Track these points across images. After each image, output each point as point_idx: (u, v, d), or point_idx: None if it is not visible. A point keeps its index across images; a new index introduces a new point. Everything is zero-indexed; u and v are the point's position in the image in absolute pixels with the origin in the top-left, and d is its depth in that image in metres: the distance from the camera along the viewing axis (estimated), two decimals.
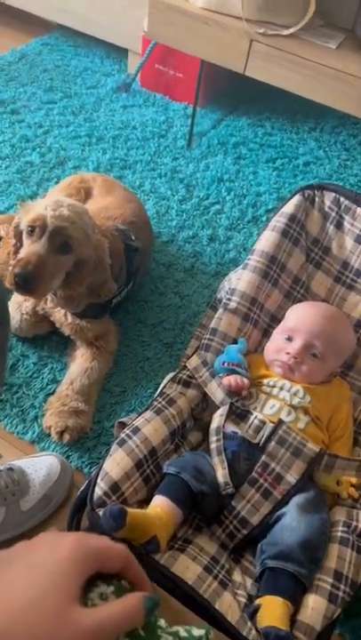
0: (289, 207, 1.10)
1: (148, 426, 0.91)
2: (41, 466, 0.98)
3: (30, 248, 0.98)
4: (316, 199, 1.11)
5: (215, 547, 0.86)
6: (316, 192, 1.11)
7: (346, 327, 1.05)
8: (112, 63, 2.08)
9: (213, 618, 0.75)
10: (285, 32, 1.44)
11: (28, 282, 0.95)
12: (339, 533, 0.85)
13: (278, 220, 1.09)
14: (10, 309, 1.16)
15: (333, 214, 1.10)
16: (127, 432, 0.90)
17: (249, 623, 0.75)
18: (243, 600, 0.79)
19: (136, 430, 0.90)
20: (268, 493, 0.86)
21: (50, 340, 1.22)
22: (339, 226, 1.10)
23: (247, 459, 0.90)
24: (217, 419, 0.94)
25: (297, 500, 0.86)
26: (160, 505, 0.83)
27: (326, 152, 1.87)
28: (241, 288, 1.07)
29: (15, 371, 1.17)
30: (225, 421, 0.93)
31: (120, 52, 2.07)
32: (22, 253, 0.99)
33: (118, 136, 1.78)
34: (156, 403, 0.96)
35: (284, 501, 0.86)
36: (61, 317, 1.15)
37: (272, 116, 1.97)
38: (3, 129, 1.72)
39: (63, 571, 0.36)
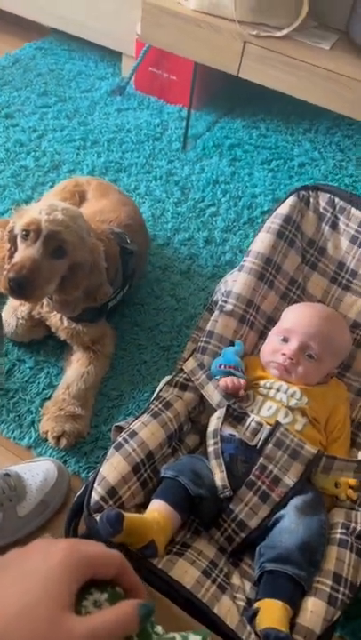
0: (284, 208, 1.10)
1: (145, 429, 0.91)
2: (38, 471, 0.97)
3: (25, 252, 0.97)
4: (311, 200, 1.10)
5: (214, 550, 0.86)
6: (310, 193, 1.11)
7: (342, 328, 1.05)
8: (106, 67, 2.08)
9: (212, 622, 0.74)
10: (278, 33, 1.44)
11: (23, 286, 0.95)
12: (337, 535, 0.85)
13: (273, 222, 1.09)
14: (5, 314, 1.16)
15: (328, 215, 1.10)
16: (124, 436, 0.90)
17: (248, 627, 0.75)
18: (242, 604, 0.79)
19: (133, 434, 0.90)
20: (266, 496, 0.86)
21: (46, 345, 1.22)
22: (334, 226, 1.10)
23: (245, 461, 0.89)
24: (214, 421, 0.93)
25: (295, 502, 0.86)
26: (157, 509, 0.83)
27: (321, 153, 1.87)
28: (237, 290, 1.07)
29: (11, 376, 1.16)
30: (222, 424, 0.93)
31: (114, 56, 2.07)
32: (17, 258, 0.99)
33: (113, 139, 1.77)
34: (152, 406, 0.95)
35: (283, 504, 0.85)
36: (57, 322, 1.15)
37: (267, 117, 1.97)
38: None
39: (55, 578, 0.35)
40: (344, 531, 0.85)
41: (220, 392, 0.96)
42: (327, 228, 1.10)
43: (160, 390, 1.00)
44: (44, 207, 1.00)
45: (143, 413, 0.94)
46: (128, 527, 0.75)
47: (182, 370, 1.03)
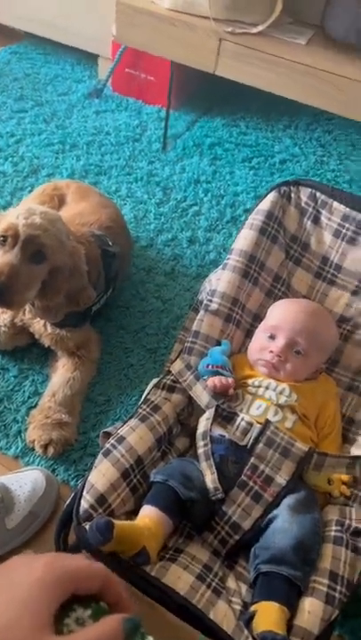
0: (265, 204, 1.09)
1: (134, 434, 0.89)
2: (26, 481, 0.95)
3: (3, 258, 0.95)
4: (293, 195, 1.09)
5: (207, 554, 0.84)
6: (291, 188, 1.10)
7: (328, 322, 1.04)
8: (83, 69, 2.07)
9: (208, 628, 0.73)
10: (254, 30, 1.44)
11: (2, 293, 0.93)
12: (332, 533, 0.84)
13: (255, 218, 1.08)
14: None
15: (310, 210, 1.09)
16: (112, 442, 0.88)
17: (245, 631, 0.73)
18: (238, 608, 0.77)
19: (121, 439, 0.88)
20: (258, 496, 0.84)
21: (30, 352, 1.20)
22: (316, 221, 1.09)
23: (236, 462, 0.88)
24: (203, 423, 0.92)
25: (288, 501, 0.84)
26: (148, 515, 0.81)
27: (302, 149, 1.87)
28: (221, 289, 1.05)
29: None
30: (212, 425, 0.91)
31: (90, 58, 2.05)
32: None
33: (92, 142, 1.76)
34: (140, 410, 0.94)
35: (276, 503, 0.84)
36: (41, 328, 1.13)
37: (246, 115, 1.97)
38: None
39: (34, 596, 0.34)
40: (339, 528, 0.84)
41: (209, 392, 0.95)
42: (310, 222, 1.09)
43: (148, 393, 0.99)
44: (22, 211, 0.98)
45: (131, 418, 0.93)
46: (118, 535, 0.73)
47: (169, 372, 1.01)
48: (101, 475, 0.84)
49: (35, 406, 1.10)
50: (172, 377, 1.00)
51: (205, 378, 0.97)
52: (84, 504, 0.81)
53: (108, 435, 0.92)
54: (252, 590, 0.80)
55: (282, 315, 1.02)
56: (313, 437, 0.96)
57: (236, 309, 1.06)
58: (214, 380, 0.95)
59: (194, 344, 1.03)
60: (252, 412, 0.94)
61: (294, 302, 1.05)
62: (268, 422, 0.89)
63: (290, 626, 0.74)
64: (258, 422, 0.91)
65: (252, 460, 0.86)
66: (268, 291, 1.10)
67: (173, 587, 0.75)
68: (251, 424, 0.91)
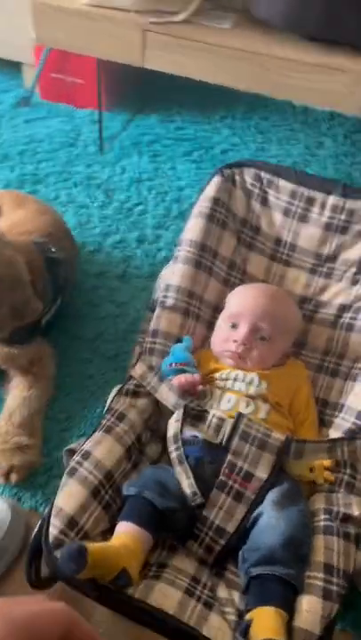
0: (210, 190, 1.04)
1: (100, 447, 0.83)
2: None
3: None
4: (237, 178, 1.05)
5: (194, 565, 0.78)
6: (235, 170, 1.06)
7: (289, 304, 1.00)
8: (7, 79, 1.99)
9: None
10: (177, 18, 1.40)
11: None
12: (321, 523, 0.79)
13: (201, 206, 1.04)
14: None
15: (257, 191, 1.05)
16: (77, 459, 0.82)
17: None
18: (232, 618, 0.72)
19: (87, 455, 0.82)
20: (239, 495, 0.79)
21: None
22: (264, 202, 1.05)
23: (212, 462, 0.83)
24: (173, 425, 0.86)
25: (272, 496, 0.79)
26: (125, 532, 0.75)
27: (241, 138, 1.84)
28: (175, 282, 1.00)
29: None
30: (182, 426, 0.86)
31: (14, 67, 1.97)
32: None
33: (25, 151, 1.68)
34: (104, 421, 0.88)
35: (259, 500, 0.79)
36: None
37: (181, 109, 1.93)
38: None
39: None
40: (327, 516, 0.80)
41: (175, 392, 0.89)
42: (258, 204, 1.06)
43: (110, 402, 0.93)
44: None
45: (95, 431, 0.87)
46: (94, 559, 0.67)
47: (132, 376, 0.95)
48: (69, 496, 0.77)
49: None
50: (134, 382, 0.94)
51: (170, 378, 0.92)
52: (52, 530, 0.74)
53: (72, 452, 0.86)
54: (245, 597, 0.75)
55: (241, 301, 0.97)
56: (289, 425, 0.92)
57: (193, 302, 1.01)
58: (180, 379, 0.90)
59: (153, 344, 0.97)
60: (223, 406, 0.89)
61: (253, 287, 1.01)
62: (240, 415, 0.84)
63: (290, 629, 0.69)
64: (230, 417, 0.86)
65: (229, 457, 0.81)
66: (224, 279, 1.05)
67: (161, 607, 0.69)
68: (223, 419, 0.85)
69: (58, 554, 0.71)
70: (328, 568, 0.74)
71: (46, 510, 0.78)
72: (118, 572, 0.69)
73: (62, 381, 1.12)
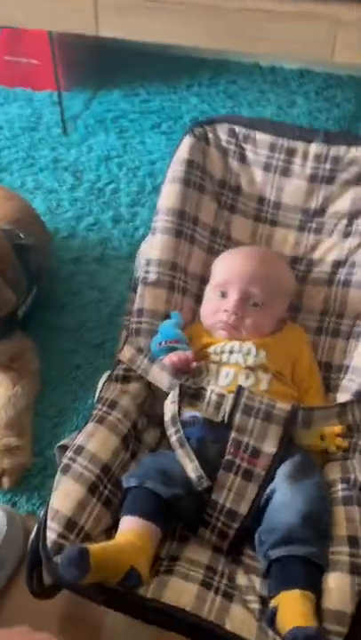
0: (183, 153, 0.97)
1: (93, 440, 0.77)
2: None
3: None
4: (210, 136, 0.98)
5: (208, 553, 0.73)
6: (206, 128, 0.98)
7: (280, 265, 0.93)
8: None
9: None
10: None
11: None
12: (339, 493, 0.74)
13: (175, 170, 0.96)
14: None
15: (233, 147, 0.98)
16: (69, 455, 0.76)
17: (270, 633, 0.62)
18: (256, 606, 0.66)
19: (80, 450, 0.76)
20: (249, 473, 0.73)
21: None
22: (242, 159, 0.98)
23: (215, 441, 0.77)
24: (169, 407, 0.80)
25: (283, 470, 0.74)
26: (129, 527, 0.70)
27: (210, 104, 1.77)
28: (156, 255, 0.93)
29: None
30: (179, 407, 0.79)
31: None
32: None
33: None
34: (95, 411, 0.82)
35: (270, 477, 0.74)
36: None
37: (145, 81, 1.85)
38: None
39: None
40: (345, 486, 0.75)
41: (169, 372, 0.83)
42: (235, 162, 0.98)
43: (100, 391, 0.86)
44: None
45: (87, 423, 0.80)
46: (97, 562, 0.61)
47: (120, 361, 0.88)
48: (65, 495, 0.72)
49: None
50: (123, 366, 0.88)
51: (161, 357, 0.85)
52: (50, 535, 0.68)
53: (64, 448, 0.80)
54: (266, 581, 0.69)
55: (228, 268, 0.91)
56: (293, 394, 0.86)
57: (177, 275, 0.94)
58: (171, 358, 0.84)
59: (139, 324, 0.91)
60: (221, 381, 0.83)
61: (239, 252, 0.94)
62: (240, 389, 0.78)
63: (319, 611, 0.63)
64: (230, 392, 0.79)
65: (233, 434, 0.75)
66: (208, 247, 0.98)
67: (177, 604, 0.63)
68: (222, 395, 0.79)
69: (58, 559, 0.65)
70: (353, 541, 0.69)
71: (42, 513, 0.71)
72: (126, 572, 0.63)
73: (48, 375, 1.06)
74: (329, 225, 0.97)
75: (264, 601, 0.67)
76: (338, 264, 0.96)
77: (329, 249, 0.97)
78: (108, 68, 1.85)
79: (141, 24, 1.30)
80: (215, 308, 0.89)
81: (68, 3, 1.29)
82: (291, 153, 0.96)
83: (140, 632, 0.73)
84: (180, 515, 0.73)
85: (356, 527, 0.70)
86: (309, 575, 0.65)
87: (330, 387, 0.91)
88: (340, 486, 0.75)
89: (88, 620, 0.76)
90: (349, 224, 0.96)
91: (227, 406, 0.78)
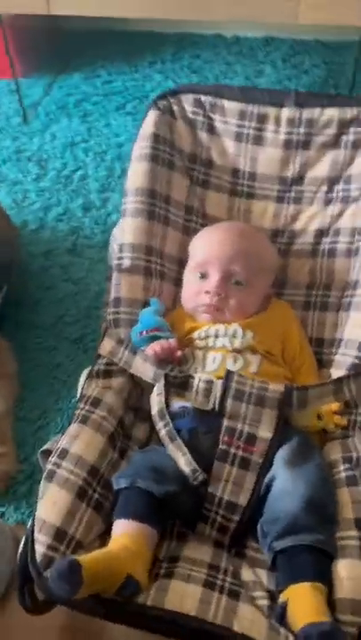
0: (148, 128, 0.91)
1: (78, 442, 0.73)
2: None
3: None
4: (175, 108, 0.92)
5: (209, 550, 0.69)
6: (171, 100, 0.92)
7: (260, 240, 0.88)
8: None
9: None
10: None
11: None
12: (342, 474, 0.71)
13: (142, 147, 0.90)
14: None
15: (200, 118, 0.92)
16: (53, 460, 0.71)
17: (282, 630, 0.58)
18: (265, 602, 0.62)
19: (64, 453, 0.71)
20: (245, 462, 0.69)
21: None
22: (211, 130, 0.92)
23: (207, 431, 0.73)
24: (156, 400, 0.75)
25: (281, 455, 0.70)
26: (123, 532, 0.66)
27: (175, 80, 1.71)
28: (128, 240, 0.88)
29: None
30: (167, 398, 0.75)
31: None
32: None
33: None
34: (78, 411, 0.77)
35: (268, 463, 0.70)
36: None
37: (105, 62, 1.79)
38: None
39: None
40: (347, 465, 0.71)
41: (152, 363, 0.78)
42: (204, 134, 0.93)
43: (82, 389, 0.81)
44: None
45: (70, 424, 0.76)
46: (91, 573, 0.57)
47: (100, 355, 0.83)
48: (51, 504, 0.67)
49: None
50: (104, 360, 0.83)
51: (143, 348, 0.80)
52: (39, 548, 0.64)
53: (48, 453, 0.75)
54: (273, 574, 0.65)
55: (206, 247, 0.86)
56: (286, 374, 0.82)
57: (153, 259, 0.89)
58: (154, 347, 0.79)
59: (117, 314, 0.86)
60: (209, 367, 0.79)
61: (216, 228, 0.89)
62: (229, 373, 0.73)
63: (332, 602, 0.59)
64: (218, 377, 0.75)
65: (226, 422, 0.71)
66: (183, 227, 0.93)
67: (180, 609, 0.59)
68: (211, 382, 0.75)
69: (48, 574, 0.60)
70: (360, 523, 0.64)
71: (29, 525, 0.67)
72: (123, 581, 0.59)
73: (27, 377, 1.01)
74: (308, 193, 0.92)
75: (272, 596, 0.63)
76: (321, 233, 0.91)
77: (311, 218, 0.92)
78: (66, 51, 1.79)
79: None
80: (196, 290, 0.84)
81: None
82: (262, 119, 0.90)
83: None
84: (176, 512, 0.70)
85: None
86: (318, 565, 0.61)
87: (323, 362, 0.87)
88: (342, 467, 0.71)
89: (86, 630, 0.72)
90: (330, 190, 0.91)
91: (217, 393, 0.74)
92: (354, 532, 0.64)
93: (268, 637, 0.57)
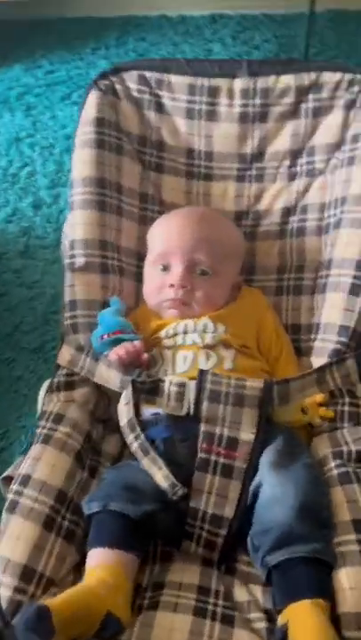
0: (90, 111, 0.84)
1: (40, 465, 0.66)
2: None
3: None
4: (117, 87, 0.84)
5: (197, 570, 0.63)
6: (112, 79, 0.85)
7: (224, 224, 0.82)
8: None
9: None
10: None
11: None
12: (334, 471, 0.65)
13: (84, 132, 0.83)
14: None
15: (147, 97, 0.85)
16: (15, 488, 0.65)
17: None
18: (262, 625, 0.57)
19: (26, 480, 0.65)
20: (228, 469, 0.63)
21: None
22: (160, 108, 0.85)
23: (183, 439, 0.67)
24: (123, 410, 0.68)
25: (266, 458, 0.64)
26: (99, 562, 0.59)
27: None
28: (79, 236, 0.81)
29: None
30: (135, 407, 0.67)
31: None
32: None
33: None
34: (39, 429, 0.71)
35: (253, 468, 0.63)
36: None
37: (46, 52, 1.71)
38: None
39: None
40: (339, 461, 0.66)
41: (118, 369, 0.71)
42: (152, 113, 0.85)
43: (42, 404, 0.74)
44: None
45: (31, 445, 0.69)
46: (63, 618, 0.51)
47: (59, 365, 0.76)
48: (15, 539, 0.60)
49: None
50: (64, 371, 0.76)
51: (106, 353, 0.73)
52: (4, 592, 0.58)
53: (10, 479, 0.67)
54: (269, 589, 0.59)
55: (165, 236, 0.79)
56: (263, 367, 0.76)
57: (109, 254, 0.82)
58: (118, 352, 0.72)
59: (75, 318, 0.78)
60: (179, 368, 0.72)
61: (175, 215, 0.82)
62: (202, 373, 0.66)
63: (336, 617, 0.54)
64: (191, 378, 0.68)
65: (203, 427, 0.65)
66: (139, 217, 0.86)
67: None
68: (183, 384, 0.68)
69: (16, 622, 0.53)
70: (359, 525, 0.59)
71: None
72: (102, 620, 0.53)
73: None
74: (271, 169, 0.86)
75: (270, 616, 0.57)
76: (288, 212, 0.85)
77: (275, 196, 0.86)
78: (2, 42, 1.70)
79: None
80: (159, 284, 0.77)
81: None
82: (214, 93, 0.83)
83: None
84: (157, 532, 0.64)
85: (359, 508, 0.60)
86: (317, 577, 0.56)
87: (301, 350, 0.81)
88: (333, 463, 0.65)
89: None
90: (293, 164, 0.85)
91: (190, 396, 0.67)
92: (353, 536, 0.58)
93: None
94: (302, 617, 0.52)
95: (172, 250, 0.76)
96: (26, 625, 0.49)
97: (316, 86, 0.82)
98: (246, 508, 0.62)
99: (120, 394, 0.71)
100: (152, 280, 0.79)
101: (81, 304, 0.78)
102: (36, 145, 1.39)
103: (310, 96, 0.82)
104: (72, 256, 0.80)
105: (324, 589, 0.55)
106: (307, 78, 0.82)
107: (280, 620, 0.54)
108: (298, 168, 0.84)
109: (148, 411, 0.70)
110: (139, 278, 0.84)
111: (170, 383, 0.68)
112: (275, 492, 0.60)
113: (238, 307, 0.79)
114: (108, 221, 0.81)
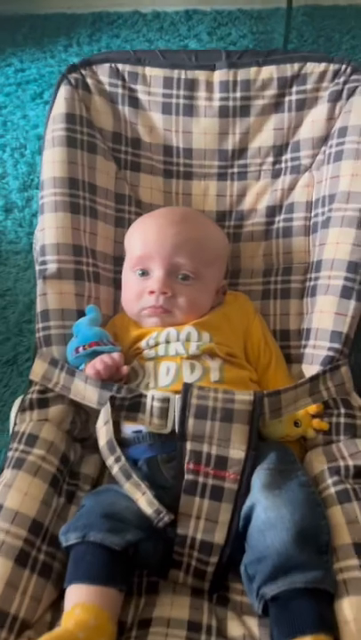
0: (59, 106, 0.78)
1: (12, 492, 0.60)
2: None
3: None
4: (89, 81, 0.79)
5: (186, 602, 0.58)
6: (83, 72, 0.79)
7: (206, 225, 0.77)
8: None
9: None
10: None
11: None
12: (331, 489, 0.61)
13: (54, 129, 0.77)
14: None
15: (120, 91, 0.79)
16: None
17: None
18: None
19: None
20: (218, 491, 0.58)
21: None
22: (134, 103, 0.80)
23: (169, 460, 0.62)
24: (102, 430, 0.63)
25: (259, 477, 0.59)
26: (78, 601, 0.54)
27: None
28: (51, 240, 0.75)
29: None
30: (115, 425, 0.62)
31: None
32: None
33: None
34: (11, 453, 0.65)
35: (244, 489, 0.59)
36: None
37: (16, 49, 1.64)
38: None
39: None
40: (336, 478, 0.61)
41: (95, 384, 0.65)
42: (127, 108, 0.80)
43: (14, 425, 0.68)
44: None
45: (1, 471, 0.62)
46: None
47: (32, 381, 0.70)
48: None
49: None
50: (37, 387, 0.70)
51: (82, 367, 0.68)
52: None
53: None
54: (265, 620, 0.54)
55: (144, 239, 0.73)
56: (252, 376, 0.71)
57: (84, 259, 0.76)
58: (95, 365, 0.67)
59: (48, 329, 0.73)
60: (162, 381, 0.67)
61: (153, 216, 0.76)
62: (187, 386, 0.61)
63: None
64: (175, 392, 0.63)
65: (189, 445, 0.60)
66: (115, 219, 0.81)
67: None
68: (167, 399, 0.63)
69: None
70: (360, 549, 0.54)
71: None
72: None
73: None
74: (254, 166, 0.81)
75: None
76: (273, 211, 0.81)
77: (259, 195, 0.81)
78: None
79: None
80: (138, 291, 0.72)
81: None
82: (192, 86, 0.78)
83: None
84: (142, 563, 0.59)
85: (360, 530, 0.55)
86: (318, 610, 0.51)
87: (291, 357, 0.76)
88: (330, 480, 0.61)
89: None
90: (277, 161, 0.80)
91: (175, 412, 0.62)
92: (355, 561, 0.54)
93: None
94: None
95: (151, 253, 0.71)
96: None
97: (299, 78, 0.77)
98: (238, 533, 0.57)
99: (98, 411, 0.65)
100: (131, 286, 0.73)
101: (54, 314, 0.72)
102: (7, 146, 1.32)
103: (294, 88, 0.77)
104: (43, 262, 0.74)
105: (325, 623, 0.50)
106: (289, 69, 0.77)
107: None
108: (282, 164, 0.80)
109: (129, 428, 0.65)
110: (116, 285, 0.79)
111: (152, 398, 0.63)
112: (268, 515, 0.55)
113: (224, 313, 0.74)
114: (82, 224, 0.76)
